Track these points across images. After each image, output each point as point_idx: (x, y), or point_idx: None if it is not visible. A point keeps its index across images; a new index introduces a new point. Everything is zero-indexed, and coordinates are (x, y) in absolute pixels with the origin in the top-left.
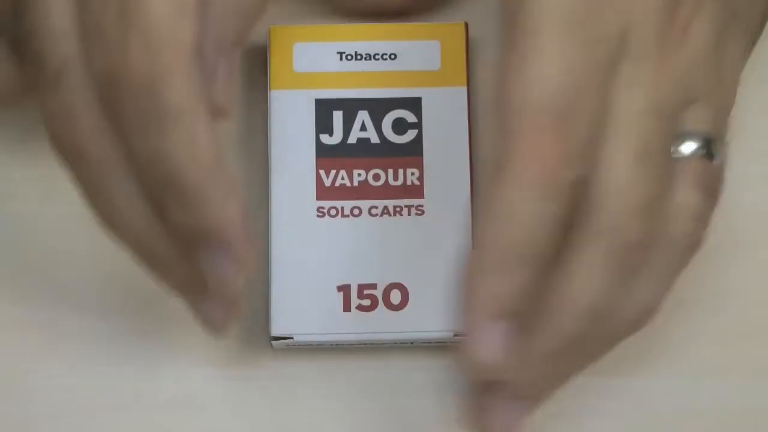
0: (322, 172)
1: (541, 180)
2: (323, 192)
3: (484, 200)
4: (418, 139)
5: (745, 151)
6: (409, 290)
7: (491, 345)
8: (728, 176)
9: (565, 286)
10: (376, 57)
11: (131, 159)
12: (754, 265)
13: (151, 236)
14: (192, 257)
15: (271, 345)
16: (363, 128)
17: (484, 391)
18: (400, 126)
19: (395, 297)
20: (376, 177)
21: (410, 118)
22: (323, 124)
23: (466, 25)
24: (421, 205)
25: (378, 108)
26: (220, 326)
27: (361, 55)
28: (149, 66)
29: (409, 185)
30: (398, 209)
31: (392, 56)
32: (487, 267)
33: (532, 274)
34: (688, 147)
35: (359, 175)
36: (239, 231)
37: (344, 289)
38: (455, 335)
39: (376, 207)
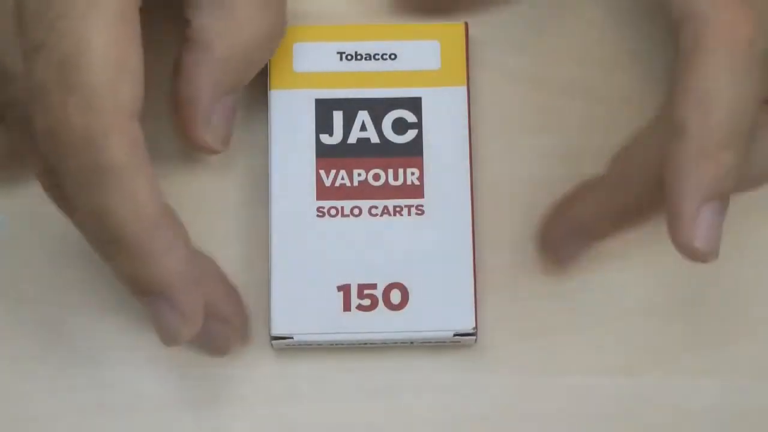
0: (322, 171)
1: (740, 57)
2: (323, 192)
3: (678, 89)
4: (418, 139)
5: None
6: (409, 290)
7: (707, 229)
8: None
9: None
10: (376, 57)
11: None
12: (754, 265)
13: None
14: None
15: (271, 345)
16: (363, 128)
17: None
18: (400, 126)
19: (395, 297)
20: (376, 177)
21: (410, 118)
22: (323, 124)
23: (466, 25)
24: (421, 205)
25: (378, 108)
26: (174, 336)
27: (361, 55)
28: (88, 124)
29: (409, 185)
30: (398, 209)
31: (392, 56)
32: (698, 153)
33: (739, 155)
34: None
35: (359, 175)
36: (183, 285)
37: (344, 288)
38: (455, 335)
39: (376, 207)
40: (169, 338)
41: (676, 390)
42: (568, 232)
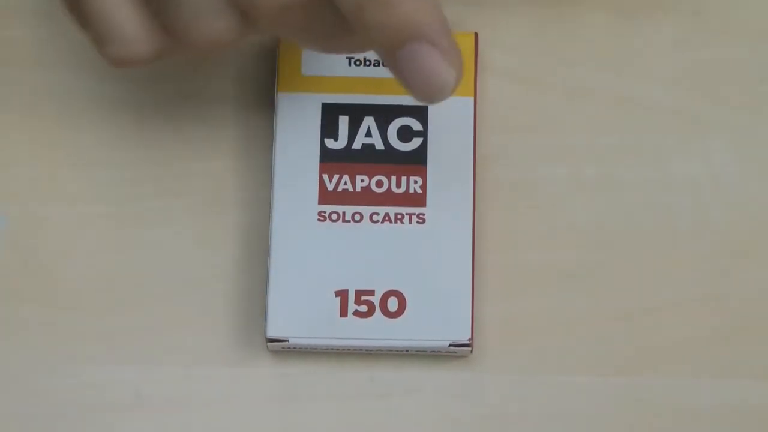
0: (325, 176)
1: None
2: (325, 196)
3: None
4: (423, 147)
5: (744, 150)
6: (406, 298)
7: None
8: (727, 177)
9: None
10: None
11: None
12: (754, 265)
13: None
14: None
15: (267, 347)
16: (368, 134)
17: None
18: (405, 133)
19: (392, 304)
20: (379, 183)
21: (416, 126)
22: (329, 129)
23: (476, 35)
24: (423, 214)
25: (384, 114)
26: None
27: (369, 61)
28: None
29: (411, 193)
30: (399, 217)
31: None
32: None
33: None
34: None
35: (362, 180)
36: (437, 19)
37: (342, 294)
38: (451, 345)
39: (378, 213)
40: (437, 88)
41: (675, 390)
42: None
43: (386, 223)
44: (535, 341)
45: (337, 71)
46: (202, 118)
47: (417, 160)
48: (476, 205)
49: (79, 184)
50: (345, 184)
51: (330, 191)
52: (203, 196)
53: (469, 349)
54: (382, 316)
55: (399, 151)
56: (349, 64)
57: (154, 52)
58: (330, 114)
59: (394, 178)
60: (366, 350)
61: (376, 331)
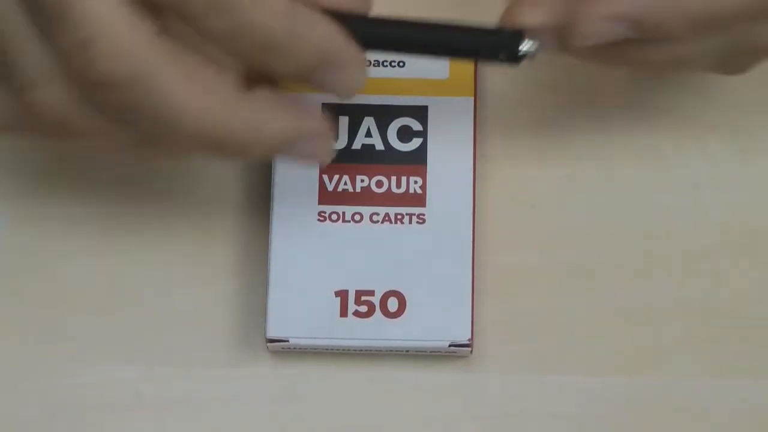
0: (325, 176)
1: None
2: (325, 196)
3: None
4: (423, 147)
5: (744, 150)
6: (406, 298)
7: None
8: (727, 177)
9: None
10: (384, 64)
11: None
12: (754, 265)
13: None
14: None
15: (267, 347)
16: (368, 134)
17: None
18: (405, 134)
19: (392, 305)
20: (379, 184)
21: (416, 126)
22: None
23: None
24: (423, 214)
25: (384, 115)
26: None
27: (369, 61)
28: None
29: (411, 193)
30: (399, 217)
31: (400, 63)
32: None
33: None
34: None
35: (362, 181)
36: (338, 43)
37: (342, 294)
38: (451, 345)
39: (378, 214)
40: (350, 90)
41: (675, 390)
42: None
43: (386, 223)
44: (535, 341)
45: None
46: None
47: (417, 160)
48: (476, 205)
49: (79, 184)
50: (345, 184)
51: (330, 191)
52: (203, 197)
53: (469, 349)
54: (382, 316)
55: (399, 151)
56: None
57: None
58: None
59: (394, 178)
60: (366, 350)
61: (376, 331)
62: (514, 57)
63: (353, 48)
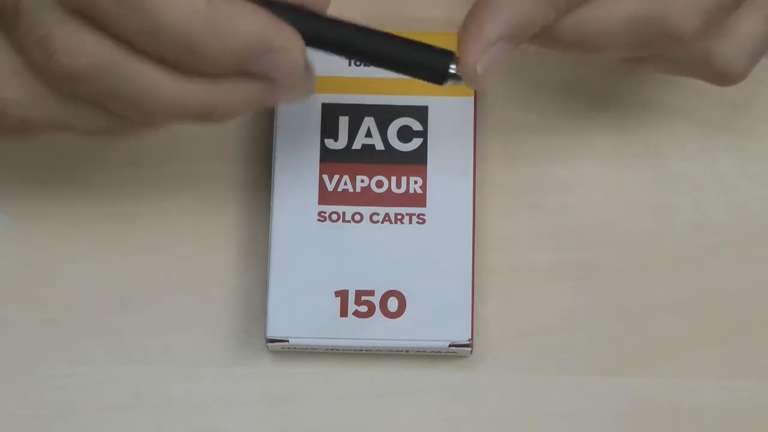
0: (325, 176)
1: None
2: (325, 196)
3: None
4: (423, 147)
5: (744, 151)
6: (406, 298)
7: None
8: (727, 177)
9: None
10: None
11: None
12: (754, 265)
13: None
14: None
15: (267, 347)
16: (368, 134)
17: None
18: (405, 134)
19: (392, 304)
20: (379, 184)
21: (416, 126)
22: (329, 129)
23: None
24: (423, 214)
25: (384, 115)
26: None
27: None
28: None
29: (411, 194)
30: (399, 217)
31: None
32: None
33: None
34: None
35: (362, 181)
36: (268, 29)
37: (342, 294)
38: (451, 345)
39: (378, 214)
40: (291, 72)
41: (675, 390)
42: None
43: (386, 224)
44: (535, 341)
45: (337, 71)
46: None
47: (417, 161)
48: (476, 205)
49: (79, 184)
50: (345, 184)
51: (330, 191)
52: (203, 196)
53: (469, 349)
54: (382, 316)
55: (399, 151)
56: (349, 65)
57: None
58: (330, 114)
59: (394, 179)
60: (366, 350)
61: (376, 331)
62: (438, 76)
63: (286, 32)
